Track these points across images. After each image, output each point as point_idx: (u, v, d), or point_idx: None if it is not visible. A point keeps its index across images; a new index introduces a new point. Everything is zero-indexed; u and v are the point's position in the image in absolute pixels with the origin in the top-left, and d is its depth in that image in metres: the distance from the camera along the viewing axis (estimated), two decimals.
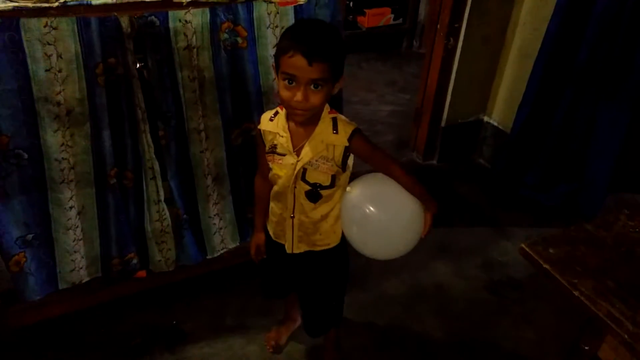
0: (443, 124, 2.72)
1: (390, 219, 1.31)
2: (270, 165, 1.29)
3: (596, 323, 0.94)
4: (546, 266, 1.02)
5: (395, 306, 1.94)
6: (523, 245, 1.06)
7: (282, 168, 1.26)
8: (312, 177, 1.26)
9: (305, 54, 1.08)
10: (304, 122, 1.21)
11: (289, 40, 1.12)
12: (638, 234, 1.10)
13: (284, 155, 1.26)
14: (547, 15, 2.18)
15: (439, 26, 2.49)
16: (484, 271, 2.12)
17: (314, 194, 1.28)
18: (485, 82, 2.67)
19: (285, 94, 1.14)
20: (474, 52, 2.53)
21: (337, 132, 1.23)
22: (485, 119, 2.77)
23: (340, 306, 1.57)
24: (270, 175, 1.32)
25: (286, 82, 1.13)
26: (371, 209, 1.28)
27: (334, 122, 1.24)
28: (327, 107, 1.24)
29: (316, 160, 1.24)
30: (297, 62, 1.09)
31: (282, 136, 1.25)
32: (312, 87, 1.13)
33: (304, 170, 1.25)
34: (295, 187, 1.27)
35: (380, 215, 1.29)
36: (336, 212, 1.33)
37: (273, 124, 1.27)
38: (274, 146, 1.27)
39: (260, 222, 1.48)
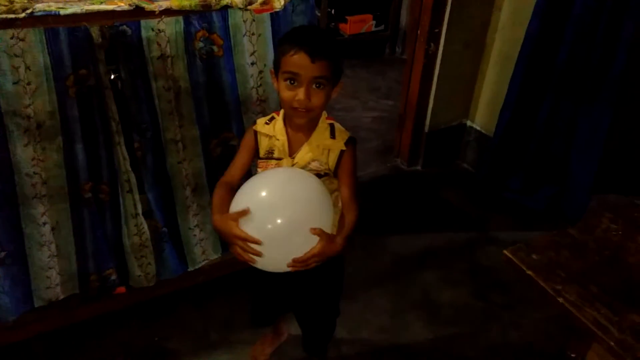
0: (426, 129, 2.71)
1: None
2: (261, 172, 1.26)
3: (582, 330, 0.92)
4: (529, 272, 1.00)
5: (382, 315, 1.91)
6: (505, 252, 1.04)
7: None
8: None
9: (308, 52, 1.11)
10: (303, 126, 1.21)
11: (290, 41, 1.13)
12: (621, 237, 1.09)
13: (280, 159, 1.25)
14: (527, 18, 2.19)
15: (419, 32, 2.49)
16: (471, 276, 2.10)
17: None
18: (467, 87, 2.67)
19: (287, 94, 1.15)
20: (454, 57, 2.53)
21: (334, 138, 1.24)
22: (468, 123, 2.77)
23: (336, 317, 1.54)
24: None
25: (288, 82, 1.14)
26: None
27: (332, 127, 1.26)
28: (324, 114, 1.25)
29: (308, 164, 1.24)
30: (300, 60, 1.11)
31: (278, 140, 1.24)
32: (314, 86, 1.14)
33: None
34: None
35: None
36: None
37: (269, 127, 1.26)
38: (271, 151, 1.26)
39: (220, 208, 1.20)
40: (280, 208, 1.11)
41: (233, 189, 1.22)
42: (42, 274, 1.57)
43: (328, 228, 1.14)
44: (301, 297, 1.45)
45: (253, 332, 1.77)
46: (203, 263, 1.83)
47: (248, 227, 1.10)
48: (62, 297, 1.65)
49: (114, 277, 1.70)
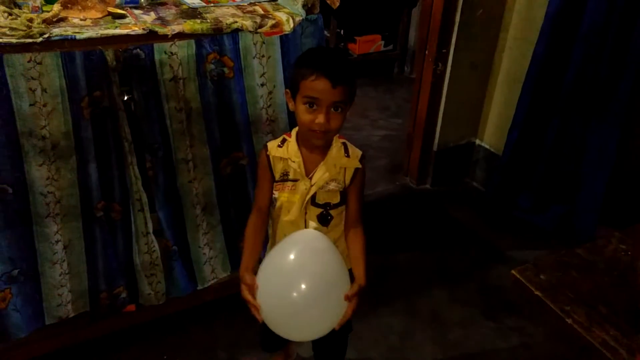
0: (435, 148, 2.72)
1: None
2: (278, 194, 1.29)
3: (591, 351, 0.92)
4: (537, 293, 1.00)
5: (391, 335, 1.90)
6: (513, 272, 1.04)
7: (295, 194, 1.27)
8: (321, 198, 1.27)
9: (329, 77, 1.13)
10: (318, 146, 1.24)
11: (311, 66, 1.15)
12: (630, 258, 1.08)
13: (296, 180, 1.26)
14: (534, 38, 2.21)
15: (427, 52, 2.52)
16: (481, 296, 2.09)
17: (325, 216, 1.28)
18: (475, 106, 2.68)
19: (306, 117, 1.17)
20: (462, 77, 2.55)
21: (349, 156, 1.27)
22: (477, 142, 2.77)
23: (348, 334, 1.54)
24: (278, 205, 1.30)
25: (307, 106, 1.16)
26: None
27: (345, 146, 1.28)
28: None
29: (327, 183, 1.26)
30: (321, 85, 1.13)
31: (293, 161, 1.26)
32: (333, 109, 1.16)
33: (313, 194, 1.26)
34: (306, 212, 1.28)
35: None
36: None
37: (283, 150, 1.28)
38: (286, 173, 1.27)
39: (252, 263, 1.30)
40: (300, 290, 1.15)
41: (265, 213, 1.33)
42: (54, 292, 1.59)
43: (346, 284, 1.20)
44: None
45: (261, 351, 1.77)
46: (212, 282, 1.84)
47: (270, 301, 1.17)
48: (72, 314, 1.67)
49: (124, 295, 1.71)
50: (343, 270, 1.22)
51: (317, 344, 1.54)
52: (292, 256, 1.18)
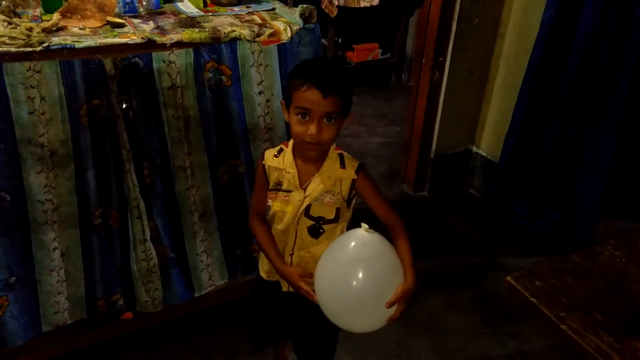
0: (432, 155, 2.73)
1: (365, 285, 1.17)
2: (271, 202, 1.28)
3: (585, 357, 0.92)
4: (533, 299, 1.00)
5: (388, 342, 1.90)
6: (509, 278, 1.05)
7: (287, 204, 1.26)
8: (316, 211, 1.26)
9: (319, 88, 1.12)
10: (313, 157, 1.23)
11: (302, 76, 1.15)
12: (624, 264, 1.09)
13: (289, 191, 1.26)
14: (530, 46, 2.23)
15: (424, 60, 2.53)
16: (478, 303, 2.09)
17: (316, 229, 1.27)
18: (472, 113, 2.70)
19: (298, 128, 1.17)
20: (459, 85, 2.57)
21: (344, 167, 1.25)
22: (474, 149, 2.79)
23: (335, 344, 1.53)
24: (270, 213, 1.30)
25: (299, 116, 1.16)
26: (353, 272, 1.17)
27: (341, 158, 1.26)
28: (333, 144, 1.26)
29: (322, 195, 1.24)
30: (312, 96, 1.12)
31: (288, 172, 1.25)
32: (325, 120, 1.15)
33: (308, 206, 1.25)
34: (297, 223, 1.27)
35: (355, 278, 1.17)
36: None
37: (278, 160, 1.28)
38: (280, 183, 1.27)
39: (281, 257, 1.33)
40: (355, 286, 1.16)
41: (264, 218, 1.34)
42: (51, 299, 1.59)
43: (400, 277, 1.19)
44: (300, 323, 1.44)
45: (259, 357, 1.77)
46: (210, 289, 1.85)
47: (332, 297, 1.19)
48: (69, 322, 1.67)
49: (121, 302, 1.71)
50: (396, 270, 1.21)
51: (300, 353, 1.53)
52: (350, 250, 1.19)
